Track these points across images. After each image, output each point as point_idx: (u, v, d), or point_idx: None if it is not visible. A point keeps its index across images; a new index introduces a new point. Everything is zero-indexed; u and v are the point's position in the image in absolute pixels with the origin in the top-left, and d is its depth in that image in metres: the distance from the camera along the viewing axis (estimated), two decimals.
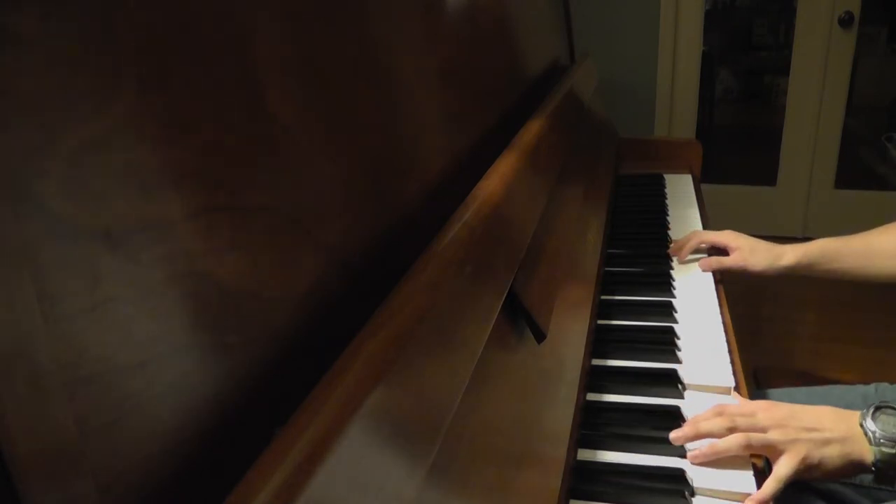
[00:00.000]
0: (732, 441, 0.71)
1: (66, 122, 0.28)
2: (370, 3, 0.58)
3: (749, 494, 0.68)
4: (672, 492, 0.69)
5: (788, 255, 1.05)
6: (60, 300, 0.27)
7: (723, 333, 0.97)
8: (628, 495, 0.70)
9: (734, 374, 0.87)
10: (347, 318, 0.45)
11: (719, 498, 0.69)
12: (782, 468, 0.68)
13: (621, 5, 2.71)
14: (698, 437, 0.74)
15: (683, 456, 0.74)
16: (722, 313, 1.02)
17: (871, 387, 0.96)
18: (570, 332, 0.83)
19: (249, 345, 0.38)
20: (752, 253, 1.08)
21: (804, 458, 0.68)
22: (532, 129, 0.89)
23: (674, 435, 0.74)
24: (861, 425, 0.70)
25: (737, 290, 1.21)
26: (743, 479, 0.70)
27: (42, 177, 0.27)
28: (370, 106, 0.56)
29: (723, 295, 1.09)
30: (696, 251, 1.19)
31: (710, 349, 0.93)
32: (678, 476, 0.71)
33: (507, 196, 0.68)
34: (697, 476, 0.71)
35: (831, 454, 0.69)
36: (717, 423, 0.72)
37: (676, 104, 2.81)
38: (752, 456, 0.72)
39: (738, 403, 0.79)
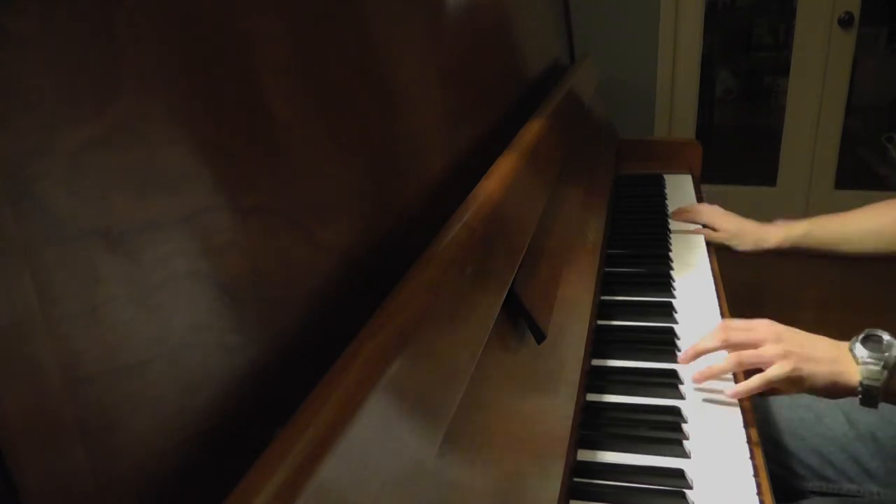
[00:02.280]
0: (727, 362, 0.79)
1: (66, 122, 0.28)
2: (370, 2, 0.58)
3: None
4: (672, 492, 0.69)
5: (771, 238, 1.16)
6: (60, 300, 0.27)
7: None
8: (628, 495, 0.70)
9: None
10: (347, 319, 0.45)
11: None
12: (772, 371, 0.76)
13: (621, 5, 2.71)
14: (698, 354, 0.83)
15: (683, 456, 0.74)
16: (722, 313, 1.02)
17: None
18: (570, 333, 0.83)
19: (249, 345, 0.38)
20: (737, 236, 1.21)
21: (794, 369, 0.75)
22: (532, 130, 0.89)
23: (681, 357, 0.86)
24: (850, 350, 0.76)
25: (737, 290, 1.22)
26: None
27: (42, 177, 0.27)
28: (371, 106, 0.56)
29: (723, 295, 1.09)
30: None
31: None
32: (678, 476, 0.71)
33: (507, 196, 0.68)
34: (696, 472, 0.71)
35: (820, 370, 0.75)
36: (714, 339, 0.81)
37: (676, 104, 2.81)
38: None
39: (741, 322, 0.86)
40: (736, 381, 0.83)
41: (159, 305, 0.32)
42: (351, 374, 0.38)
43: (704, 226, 1.29)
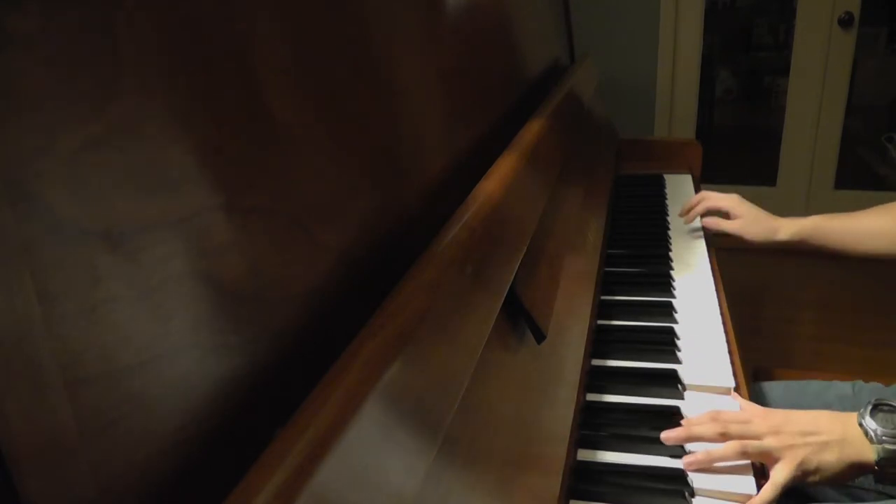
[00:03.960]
0: (728, 449, 0.70)
1: (66, 122, 0.28)
2: (370, 3, 0.58)
3: (749, 496, 0.68)
4: (672, 492, 0.69)
5: (784, 230, 1.12)
6: (60, 300, 0.27)
7: (723, 333, 0.97)
8: (628, 496, 0.70)
9: (734, 374, 0.87)
10: (348, 319, 0.45)
11: (719, 499, 0.69)
12: (779, 474, 0.68)
13: (621, 5, 2.71)
14: (690, 439, 0.74)
15: (683, 456, 0.74)
16: (722, 313, 1.02)
17: (848, 385, 0.97)
18: (570, 333, 0.83)
19: (249, 345, 0.38)
20: (752, 224, 1.15)
21: (801, 464, 0.68)
22: (532, 130, 0.89)
23: (665, 435, 0.74)
24: (860, 425, 0.69)
25: (737, 290, 1.22)
26: (743, 482, 0.70)
27: (42, 177, 0.27)
28: (371, 106, 0.56)
29: (723, 295, 1.09)
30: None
31: (710, 349, 0.93)
32: (678, 476, 0.71)
33: (507, 197, 0.68)
34: (697, 477, 0.71)
35: (829, 458, 0.68)
36: (710, 428, 0.72)
37: (676, 104, 2.81)
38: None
39: (737, 408, 0.79)
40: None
41: (159, 305, 0.32)
42: (351, 374, 0.38)
43: (710, 217, 1.25)
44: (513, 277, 0.64)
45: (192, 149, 0.35)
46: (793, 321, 2.34)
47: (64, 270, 0.28)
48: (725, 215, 1.21)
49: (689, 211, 1.28)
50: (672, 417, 0.80)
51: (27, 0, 0.27)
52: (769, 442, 0.69)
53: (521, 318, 0.68)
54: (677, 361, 0.91)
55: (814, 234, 1.09)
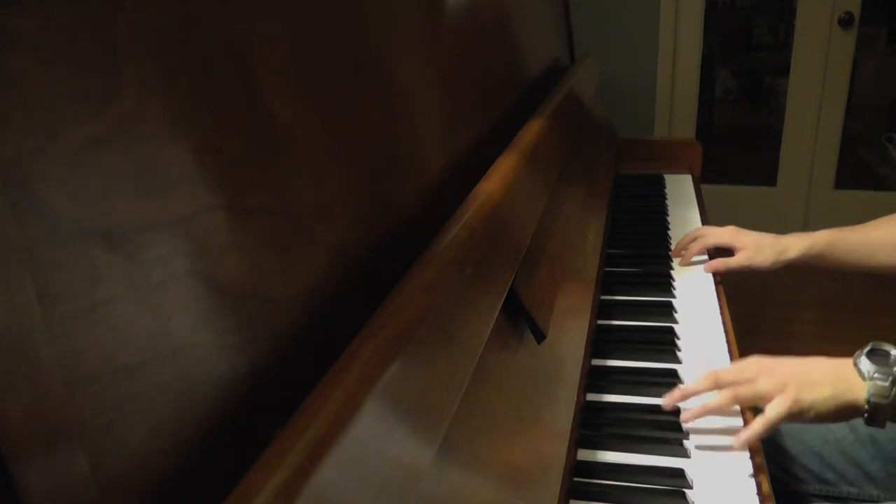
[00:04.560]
0: (722, 397, 0.72)
1: (66, 122, 0.28)
2: (370, 3, 0.58)
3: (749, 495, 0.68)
4: (672, 492, 0.69)
5: (793, 248, 1.05)
6: (60, 300, 0.27)
7: (723, 333, 0.97)
8: (628, 495, 0.70)
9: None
10: (348, 319, 0.45)
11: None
12: (773, 409, 0.69)
13: (621, 5, 2.70)
14: (686, 397, 0.77)
15: (683, 456, 0.74)
16: (722, 313, 1.02)
17: None
18: (570, 333, 0.83)
19: (249, 345, 0.38)
20: (757, 251, 1.08)
21: (795, 401, 0.69)
22: (532, 130, 0.89)
23: (665, 400, 0.77)
24: (855, 365, 0.71)
25: (737, 290, 1.21)
26: (743, 480, 0.70)
27: (42, 177, 0.27)
28: (371, 106, 0.56)
29: (723, 295, 1.09)
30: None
31: (710, 349, 0.93)
32: (678, 476, 0.71)
33: (506, 197, 0.68)
34: (697, 477, 0.71)
35: (822, 395, 0.69)
36: (704, 382, 0.75)
37: (676, 104, 2.81)
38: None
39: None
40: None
41: (159, 305, 0.32)
42: (351, 374, 0.38)
43: (716, 252, 1.17)
44: (513, 277, 0.64)
45: (193, 149, 0.35)
46: (793, 321, 2.34)
47: (64, 270, 0.28)
48: (727, 251, 1.13)
49: (682, 250, 1.19)
50: (672, 417, 0.80)
51: (27, 0, 0.27)
52: (762, 384, 0.71)
53: (521, 318, 0.68)
54: (677, 361, 0.91)
55: (825, 251, 1.03)
